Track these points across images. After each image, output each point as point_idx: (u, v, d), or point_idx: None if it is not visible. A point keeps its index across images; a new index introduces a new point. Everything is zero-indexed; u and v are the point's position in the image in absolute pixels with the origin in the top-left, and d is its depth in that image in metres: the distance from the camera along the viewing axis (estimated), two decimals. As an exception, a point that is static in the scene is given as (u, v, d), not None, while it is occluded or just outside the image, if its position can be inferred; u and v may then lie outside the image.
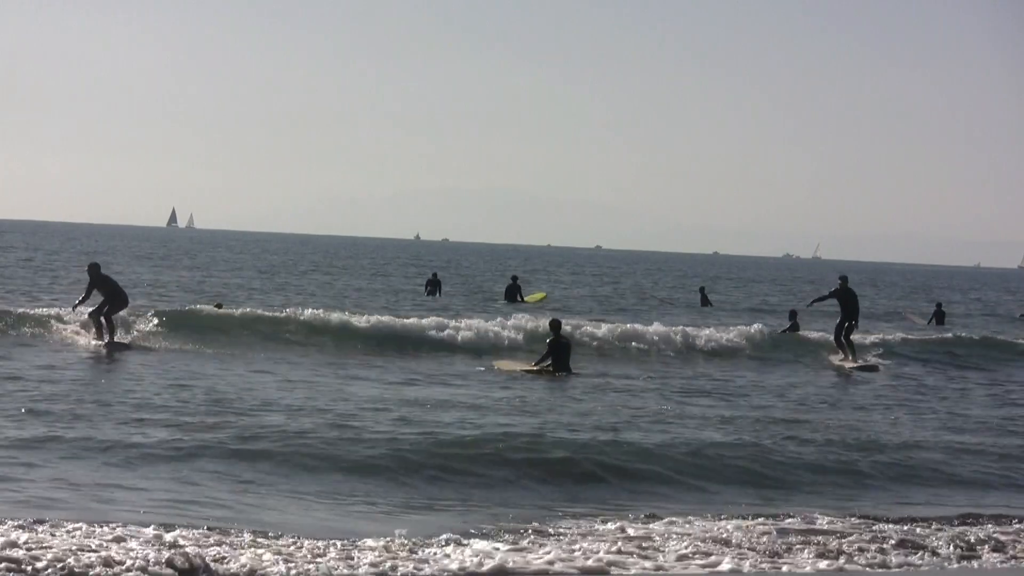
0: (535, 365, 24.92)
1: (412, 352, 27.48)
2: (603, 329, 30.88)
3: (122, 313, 26.18)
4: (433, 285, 50.57)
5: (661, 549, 10.56)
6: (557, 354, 24.90)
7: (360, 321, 29.83)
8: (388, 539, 10.30)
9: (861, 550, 10.83)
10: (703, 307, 51.33)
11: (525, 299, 46.70)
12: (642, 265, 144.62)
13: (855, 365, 28.42)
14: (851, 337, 29.37)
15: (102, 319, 25.35)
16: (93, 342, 25.15)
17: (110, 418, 15.95)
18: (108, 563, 8.91)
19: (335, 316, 29.99)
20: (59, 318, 27.08)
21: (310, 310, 30.38)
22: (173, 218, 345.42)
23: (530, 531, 11.11)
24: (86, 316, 25.85)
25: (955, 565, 10.65)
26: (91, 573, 8.76)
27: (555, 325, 25.55)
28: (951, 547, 11.07)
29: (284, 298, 42.35)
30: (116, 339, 25.27)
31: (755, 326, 32.47)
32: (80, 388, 18.81)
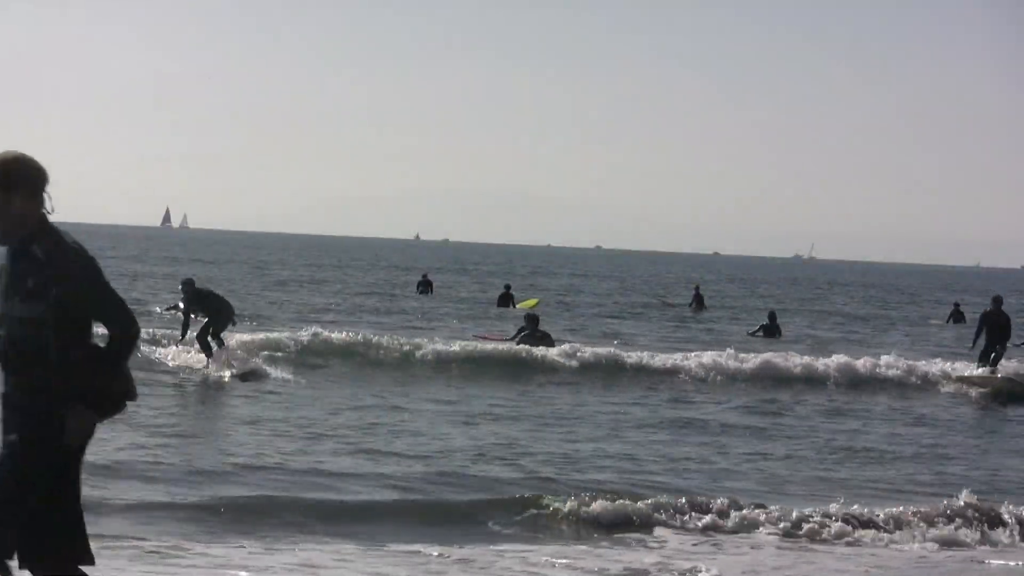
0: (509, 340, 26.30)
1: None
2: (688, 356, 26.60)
3: (232, 338, 22.59)
4: (425, 285, 53.43)
5: None
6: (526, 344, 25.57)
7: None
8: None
9: None
10: (699, 310, 50.10)
11: (517, 306, 45.74)
12: (640, 263, 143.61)
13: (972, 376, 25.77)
14: (996, 366, 26.06)
15: (211, 341, 21.59)
16: (211, 372, 21.19)
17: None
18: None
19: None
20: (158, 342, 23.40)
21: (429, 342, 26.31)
22: (167, 218, 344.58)
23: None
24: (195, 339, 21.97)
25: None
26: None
27: (532, 319, 26.89)
28: None
29: (292, 312, 40.94)
30: (243, 368, 21.35)
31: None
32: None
